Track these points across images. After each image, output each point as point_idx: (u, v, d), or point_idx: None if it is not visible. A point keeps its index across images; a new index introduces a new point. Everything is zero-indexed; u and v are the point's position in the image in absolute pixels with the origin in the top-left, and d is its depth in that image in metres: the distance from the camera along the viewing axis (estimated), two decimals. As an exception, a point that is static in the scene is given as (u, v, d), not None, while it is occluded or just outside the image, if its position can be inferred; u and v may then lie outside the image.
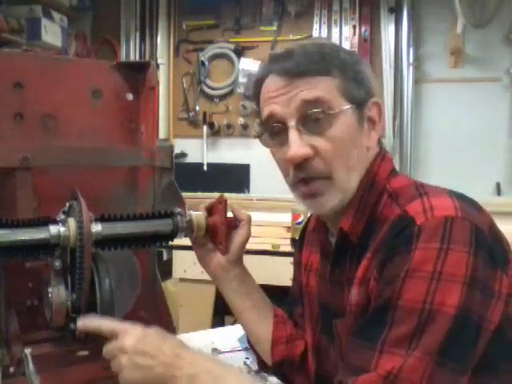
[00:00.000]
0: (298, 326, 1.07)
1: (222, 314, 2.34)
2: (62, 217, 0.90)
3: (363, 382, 0.71)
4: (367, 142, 0.88)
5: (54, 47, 3.30)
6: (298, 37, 3.54)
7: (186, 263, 2.20)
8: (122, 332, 0.82)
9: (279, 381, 1.09)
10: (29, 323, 1.06)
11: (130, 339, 0.80)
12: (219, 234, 1.01)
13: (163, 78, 3.69)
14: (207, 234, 1.02)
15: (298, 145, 0.82)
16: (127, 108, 1.18)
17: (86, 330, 0.87)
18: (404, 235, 0.75)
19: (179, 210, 1.00)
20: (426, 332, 0.70)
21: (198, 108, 3.73)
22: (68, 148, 1.07)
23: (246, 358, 1.31)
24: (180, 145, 3.68)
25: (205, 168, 3.69)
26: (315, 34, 3.48)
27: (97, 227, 0.90)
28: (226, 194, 1.03)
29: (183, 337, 1.19)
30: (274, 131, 0.87)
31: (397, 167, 0.93)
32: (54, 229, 0.87)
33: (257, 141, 0.92)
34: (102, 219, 0.93)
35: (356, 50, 3.42)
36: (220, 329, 1.58)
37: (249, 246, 1.04)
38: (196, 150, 3.75)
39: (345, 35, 3.45)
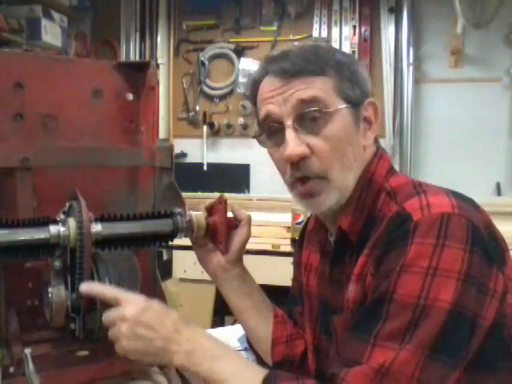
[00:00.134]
0: (298, 326, 1.07)
1: (222, 314, 2.34)
2: (62, 217, 0.90)
3: (354, 374, 0.72)
4: (363, 141, 0.89)
5: (54, 47, 3.30)
6: (298, 37, 3.54)
7: (186, 263, 2.20)
8: (125, 301, 0.82)
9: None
10: (29, 323, 1.06)
11: (132, 309, 0.81)
12: (219, 234, 1.01)
13: (163, 77, 3.69)
14: (207, 234, 1.02)
15: (294, 144, 0.83)
16: (127, 108, 1.17)
17: (90, 294, 0.87)
18: (400, 231, 0.76)
19: (179, 210, 1.00)
20: (420, 326, 0.71)
21: (198, 108, 3.73)
22: (68, 148, 1.07)
23: (246, 358, 1.31)
24: (180, 145, 3.68)
25: (205, 168, 3.69)
26: (315, 34, 3.49)
27: (97, 227, 0.91)
28: (226, 194, 1.03)
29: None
30: (271, 131, 0.88)
31: (397, 167, 0.94)
32: (54, 229, 0.87)
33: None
34: (102, 219, 0.93)
35: (356, 49, 3.42)
36: (220, 329, 1.57)
37: (249, 246, 1.04)
38: (196, 150, 3.74)
39: (345, 35, 3.45)
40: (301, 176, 0.86)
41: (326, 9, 3.49)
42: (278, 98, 0.85)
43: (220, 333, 1.49)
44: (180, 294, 2.29)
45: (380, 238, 0.80)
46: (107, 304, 0.85)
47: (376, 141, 0.93)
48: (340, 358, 0.78)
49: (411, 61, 3.33)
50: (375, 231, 0.82)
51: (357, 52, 3.42)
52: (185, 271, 2.25)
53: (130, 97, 1.18)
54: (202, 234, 1.01)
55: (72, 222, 0.88)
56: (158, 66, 3.65)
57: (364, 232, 0.86)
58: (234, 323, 1.53)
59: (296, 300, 1.08)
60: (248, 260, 1.06)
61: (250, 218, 1.03)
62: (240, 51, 3.62)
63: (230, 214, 1.03)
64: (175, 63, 3.76)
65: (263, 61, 0.90)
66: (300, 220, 2.17)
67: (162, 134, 3.65)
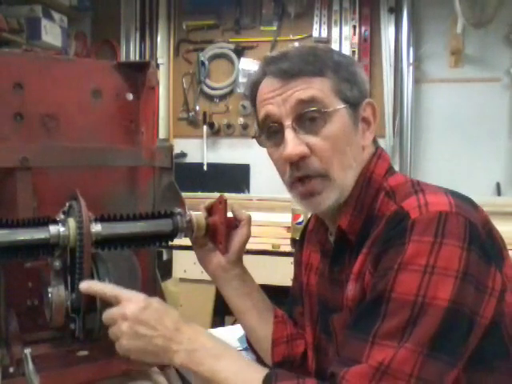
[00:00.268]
0: (298, 326, 1.08)
1: (222, 314, 2.34)
2: (62, 217, 0.90)
3: (354, 373, 0.72)
4: (362, 141, 0.89)
5: (54, 47, 3.30)
6: (298, 37, 3.54)
7: (186, 263, 2.20)
8: (125, 299, 0.82)
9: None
10: (29, 323, 1.06)
11: (133, 307, 0.81)
12: (219, 234, 1.01)
13: (163, 77, 3.69)
14: (207, 234, 1.02)
15: (294, 144, 0.84)
16: (127, 108, 1.18)
17: (90, 292, 0.87)
18: (398, 229, 0.76)
19: (179, 210, 1.00)
20: (418, 324, 0.71)
21: (198, 108, 3.73)
22: (68, 148, 1.07)
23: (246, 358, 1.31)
24: (180, 145, 3.68)
25: (205, 168, 3.69)
26: (315, 34, 3.49)
27: (96, 227, 0.91)
28: (226, 194, 1.03)
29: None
30: (270, 131, 0.89)
31: (397, 167, 0.94)
32: (53, 229, 0.87)
33: (256, 141, 0.93)
34: (101, 219, 0.93)
35: (356, 50, 3.42)
36: (220, 329, 1.57)
37: (249, 246, 1.04)
38: (196, 150, 3.74)
39: (345, 35, 3.45)
40: (301, 176, 0.86)
41: (326, 9, 3.49)
42: (277, 99, 0.86)
43: (220, 333, 1.49)
44: (180, 294, 2.28)
45: (378, 237, 0.80)
46: (107, 303, 0.85)
47: (375, 141, 0.94)
48: (339, 356, 0.78)
49: (411, 61, 3.33)
50: (374, 230, 0.83)
51: (357, 52, 3.42)
52: (185, 271, 2.24)
53: (130, 97, 1.18)
54: (202, 233, 1.01)
55: (72, 222, 0.88)
56: (157, 65, 3.65)
57: (363, 231, 0.86)
58: (234, 323, 1.53)
59: (296, 300, 1.08)
60: (248, 260, 1.06)
61: (249, 218, 1.03)
62: (240, 51, 3.62)
63: (230, 214, 1.03)
64: (175, 63, 3.76)
65: (262, 62, 0.91)
66: (300, 220, 2.17)
67: (162, 134, 3.65)
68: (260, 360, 1.09)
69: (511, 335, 0.79)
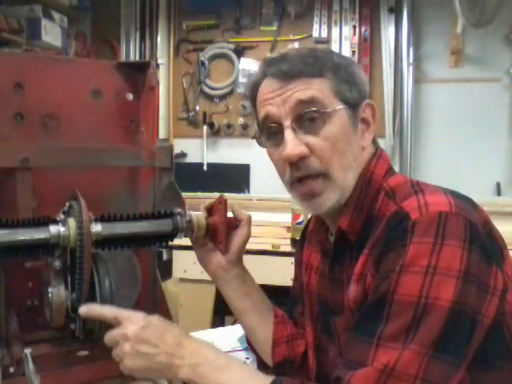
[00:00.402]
0: (298, 326, 1.08)
1: (222, 313, 2.34)
2: (62, 217, 0.90)
3: (360, 376, 0.72)
4: (362, 142, 0.90)
5: (53, 47, 3.30)
6: (298, 37, 3.54)
7: (186, 263, 2.20)
8: (125, 319, 0.83)
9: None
10: (29, 323, 1.06)
11: (133, 327, 0.81)
12: (219, 234, 1.01)
13: (163, 77, 3.69)
14: (207, 234, 1.02)
15: (293, 144, 0.84)
16: (127, 108, 1.18)
17: (89, 317, 0.87)
18: (399, 230, 0.76)
19: (179, 210, 1.00)
20: (422, 326, 0.71)
21: (198, 108, 3.73)
22: (68, 148, 1.07)
23: (246, 358, 1.31)
24: (180, 145, 3.68)
25: (205, 168, 3.69)
26: (315, 34, 3.49)
27: (97, 227, 0.90)
28: (226, 194, 1.03)
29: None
30: (270, 132, 0.89)
31: (397, 167, 0.94)
32: (54, 229, 0.87)
33: (256, 141, 0.94)
34: (102, 219, 0.93)
35: (356, 49, 3.42)
36: (220, 329, 1.57)
37: (249, 246, 1.04)
38: (196, 150, 3.75)
39: (345, 35, 3.45)
40: (301, 176, 0.87)
41: (326, 9, 3.49)
42: (276, 100, 0.86)
43: (220, 333, 1.49)
44: (180, 294, 2.28)
45: (379, 238, 0.80)
46: (108, 324, 0.85)
47: (374, 141, 0.94)
48: (344, 360, 0.78)
49: (411, 61, 3.34)
50: (374, 231, 0.83)
51: (357, 52, 3.42)
52: (185, 271, 2.24)
53: (130, 97, 1.18)
54: (202, 233, 1.01)
55: (72, 222, 0.88)
56: (157, 65, 3.65)
57: (363, 232, 0.86)
58: (234, 323, 1.53)
59: (297, 299, 1.08)
60: (248, 260, 1.06)
61: (250, 218, 1.03)
62: (240, 51, 3.62)
63: (230, 214, 1.03)
64: (175, 63, 3.77)
65: (262, 63, 0.91)
66: (300, 220, 2.17)
67: (162, 134, 3.65)
68: (260, 360, 1.09)
69: None
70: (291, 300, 1.11)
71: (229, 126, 3.68)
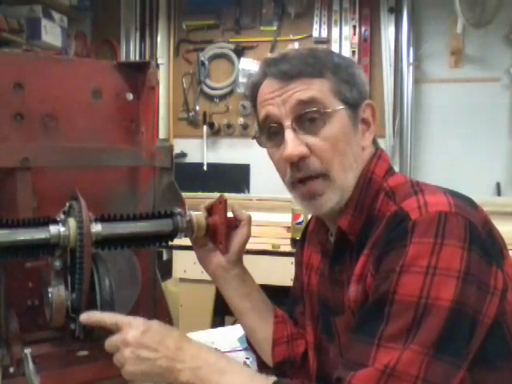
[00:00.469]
0: (298, 326, 1.08)
1: (222, 313, 2.34)
2: (62, 217, 0.90)
3: (361, 376, 0.72)
4: (362, 142, 0.90)
5: (53, 47, 3.30)
6: (298, 37, 3.54)
7: (186, 263, 2.20)
8: (126, 325, 0.83)
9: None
10: (29, 323, 1.06)
11: (133, 332, 0.81)
12: (219, 234, 1.01)
13: (163, 77, 3.69)
14: (207, 234, 1.02)
15: (294, 144, 0.85)
16: (127, 108, 1.18)
17: (89, 324, 0.88)
18: (399, 230, 0.76)
19: (179, 210, 1.00)
20: (422, 326, 0.71)
21: (198, 108, 3.73)
22: (68, 148, 1.07)
23: (246, 358, 1.31)
24: (180, 145, 3.68)
25: (205, 168, 3.69)
26: (315, 34, 3.49)
27: (97, 227, 0.90)
28: (226, 194, 1.03)
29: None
30: (270, 132, 0.90)
31: (397, 167, 0.94)
32: (54, 229, 0.87)
33: (256, 141, 0.94)
34: (102, 219, 0.93)
35: (356, 50, 3.42)
36: (220, 329, 1.57)
37: (249, 246, 1.04)
38: (196, 150, 3.75)
39: (345, 35, 3.45)
40: (302, 177, 0.87)
41: (326, 9, 3.49)
42: (277, 100, 0.86)
43: (220, 333, 1.49)
44: (180, 294, 2.28)
45: (379, 238, 0.80)
46: (108, 330, 0.85)
47: (375, 142, 0.94)
48: (345, 360, 0.78)
49: (411, 61, 3.33)
50: (374, 231, 0.83)
51: (357, 52, 3.42)
52: (185, 271, 2.24)
53: (130, 97, 1.18)
54: (202, 233, 1.01)
55: (72, 222, 0.88)
56: (158, 65, 3.65)
57: (363, 232, 0.87)
58: (234, 323, 1.53)
59: (297, 299, 1.09)
60: (248, 260, 1.06)
61: (250, 218, 1.03)
62: (240, 51, 3.62)
63: (230, 214, 1.03)
64: (175, 63, 3.76)
65: (262, 64, 0.91)
66: (300, 220, 2.17)
67: (162, 134, 3.65)
68: (260, 360, 1.09)
69: None
70: (291, 300, 1.11)
71: (229, 125, 3.68)
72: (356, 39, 3.43)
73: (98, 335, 0.93)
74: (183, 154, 3.72)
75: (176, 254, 2.28)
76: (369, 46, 3.44)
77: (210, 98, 3.72)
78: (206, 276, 1.07)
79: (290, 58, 0.87)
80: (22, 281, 1.08)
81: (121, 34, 3.77)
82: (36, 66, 1.09)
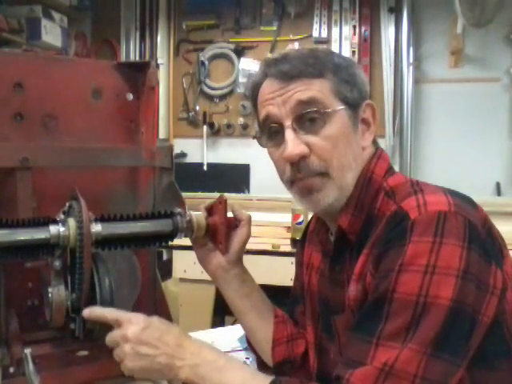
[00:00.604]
0: (298, 326, 1.08)
1: (222, 313, 2.34)
2: (62, 217, 0.90)
3: (359, 374, 0.72)
4: (362, 142, 0.90)
5: (54, 47, 3.30)
6: (298, 37, 3.54)
7: (186, 263, 2.20)
8: (126, 321, 0.83)
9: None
10: (29, 323, 1.06)
11: (133, 328, 0.82)
12: (219, 234, 1.01)
13: (163, 77, 3.69)
14: (207, 234, 1.02)
15: (294, 144, 0.85)
16: (127, 108, 1.17)
17: (92, 319, 0.88)
18: (398, 230, 0.77)
19: (179, 210, 1.00)
20: (421, 324, 0.72)
21: (198, 108, 3.73)
22: (68, 148, 1.07)
23: (246, 358, 1.31)
24: (180, 145, 3.68)
25: (205, 168, 3.69)
26: (315, 34, 3.49)
27: (97, 227, 0.90)
28: (226, 194, 1.03)
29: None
30: (271, 132, 0.90)
31: (397, 166, 0.95)
32: (53, 229, 0.87)
33: (257, 141, 0.94)
34: (102, 219, 0.93)
35: (356, 50, 3.42)
36: (220, 329, 1.57)
37: (249, 246, 1.04)
38: (196, 150, 3.75)
39: (345, 35, 3.45)
40: (302, 177, 0.87)
41: (326, 9, 3.49)
42: (277, 100, 0.87)
43: (220, 333, 1.49)
44: (180, 294, 2.28)
45: (379, 238, 0.81)
46: (109, 326, 0.86)
47: (375, 142, 0.94)
48: (344, 359, 0.78)
49: (411, 61, 3.33)
50: (374, 230, 0.83)
51: (357, 52, 3.42)
52: (185, 271, 2.25)
53: (130, 97, 1.18)
54: (202, 233, 1.01)
55: (72, 222, 0.88)
56: (158, 65, 3.65)
57: (363, 231, 0.87)
58: (234, 323, 1.53)
59: (297, 299, 1.09)
60: (248, 260, 1.06)
61: (249, 218, 1.03)
62: (240, 51, 3.62)
63: (230, 214, 1.03)
64: (175, 63, 3.76)
65: (263, 64, 0.92)
66: (300, 220, 2.17)
67: (162, 134, 3.65)
68: (260, 360, 1.09)
69: None
70: (292, 300, 1.12)
71: (229, 125, 3.68)
72: (356, 39, 3.43)
73: (97, 335, 0.93)
74: (183, 154, 3.72)
75: (176, 253, 2.29)
76: (369, 45, 3.44)
77: (210, 97, 3.72)
78: (206, 276, 1.07)
79: (291, 59, 0.87)
80: (22, 281, 1.08)
81: (121, 33, 3.77)
82: (36, 66, 1.09)
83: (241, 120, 3.66)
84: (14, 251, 0.87)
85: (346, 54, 3.34)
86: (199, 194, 2.75)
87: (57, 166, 1.07)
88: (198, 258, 1.06)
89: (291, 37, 3.55)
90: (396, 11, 3.36)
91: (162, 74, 3.67)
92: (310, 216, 1.14)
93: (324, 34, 3.49)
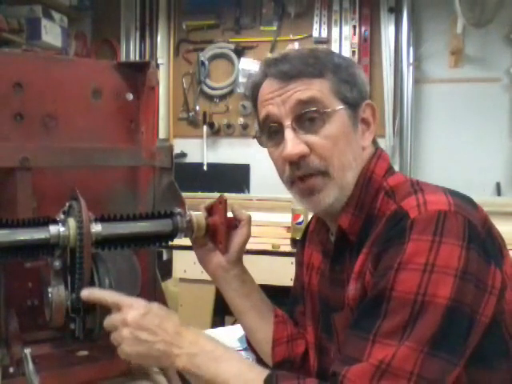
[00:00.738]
0: (298, 326, 1.08)
1: (222, 313, 2.34)
2: (62, 217, 0.90)
3: (355, 371, 0.72)
4: (362, 142, 0.90)
5: (53, 47, 3.30)
6: (298, 37, 3.54)
7: (186, 263, 2.20)
8: (126, 305, 0.83)
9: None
10: (29, 323, 1.06)
11: (133, 313, 0.81)
12: (219, 234, 1.01)
13: (163, 77, 3.69)
14: (207, 234, 1.02)
15: (293, 143, 0.85)
16: (127, 108, 1.18)
17: (90, 300, 0.87)
18: (398, 229, 0.77)
19: (179, 210, 1.00)
20: (419, 323, 0.72)
21: (198, 108, 3.73)
22: (68, 148, 1.07)
23: (246, 358, 1.31)
24: (180, 145, 3.68)
25: (205, 168, 3.69)
26: (315, 34, 3.49)
27: (97, 227, 0.90)
28: (226, 194, 1.04)
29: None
30: (271, 131, 0.90)
31: (397, 166, 0.95)
32: (53, 229, 0.87)
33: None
34: (102, 219, 0.93)
35: (356, 50, 3.42)
36: (220, 329, 1.57)
37: (249, 246, 1.04)
38: (196, 150, 3.75)
39: (345, 35, 3.45)
40: (301, 175, 0.87)
41: (326, 9, 3.49)
42: (277, 100, 0.87)
43: (220, 333, 1.49)
44: (180, 294, 2.28)
45: (379, 236, 0.81)
46: (108, 309, 0.85)
47: (375, 141, 0.95)
48: (341, 355, 0.79)
49: (411, 61, 3.33)
50: (374, 230, 0.83)
51: (357, 52, 3.42)
52: (185, 271, 2.25)
53: (130, 97, 1.18)
54: (202, 233, 1.01)
55: (72, 222, 0.88)
56: (158, 65, 3.65)
57: (363, 231, 0.87)
58: (234, 323, 1.53)
59: (297, 299, 1.09)
60: (248, 260, 1.06)
61: (249, 218, 1.03)
62: (240, 51, 3.62)
63: (230, 214, 1.03)
64: (175, 63, 3.76)
65: (263, 64, 0.92)
66: (300, 220, 2.17)
67: (162, 134, 3.65)
68: (260, 360, 1.09)
69: (511, 333, 0.79)
70: (292, 300, 1.12)
71: (229, 126, 3.68)
72: (356, 39, 3.43)
73: (97, 335, 0.93)
74: (183, 154, 3.72)
75: (176, 253, 2.29)
76: (369, 45, 3.44)
77: (210, 98, 3.72)
78: (206, 276, 1.07)
79: (291, 58, 0.88)
80: (22, 281, 1.08)
81: (121, 33, 3.77)
82: (36, 66, 1.09)
83: (241, 120, 3.66)
84: (14, 251, 0.86)
85: (346, 54, 3.34)
86: (199, 194, 2.76)
87: (57, 166, 1.07)
88: (197, 257, 1.06)
89: (291, 37, 3.55)
90: (396, 11, 3.36)
91: (161, 74, 3.66)
92: (310, 216, 1.14)
93: (324, 34, 3.49)
